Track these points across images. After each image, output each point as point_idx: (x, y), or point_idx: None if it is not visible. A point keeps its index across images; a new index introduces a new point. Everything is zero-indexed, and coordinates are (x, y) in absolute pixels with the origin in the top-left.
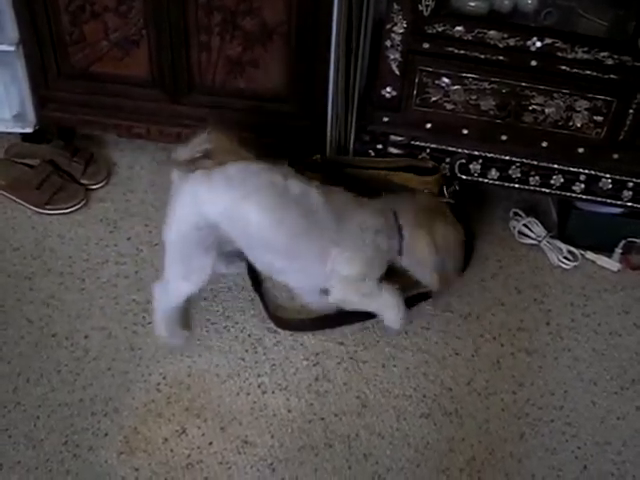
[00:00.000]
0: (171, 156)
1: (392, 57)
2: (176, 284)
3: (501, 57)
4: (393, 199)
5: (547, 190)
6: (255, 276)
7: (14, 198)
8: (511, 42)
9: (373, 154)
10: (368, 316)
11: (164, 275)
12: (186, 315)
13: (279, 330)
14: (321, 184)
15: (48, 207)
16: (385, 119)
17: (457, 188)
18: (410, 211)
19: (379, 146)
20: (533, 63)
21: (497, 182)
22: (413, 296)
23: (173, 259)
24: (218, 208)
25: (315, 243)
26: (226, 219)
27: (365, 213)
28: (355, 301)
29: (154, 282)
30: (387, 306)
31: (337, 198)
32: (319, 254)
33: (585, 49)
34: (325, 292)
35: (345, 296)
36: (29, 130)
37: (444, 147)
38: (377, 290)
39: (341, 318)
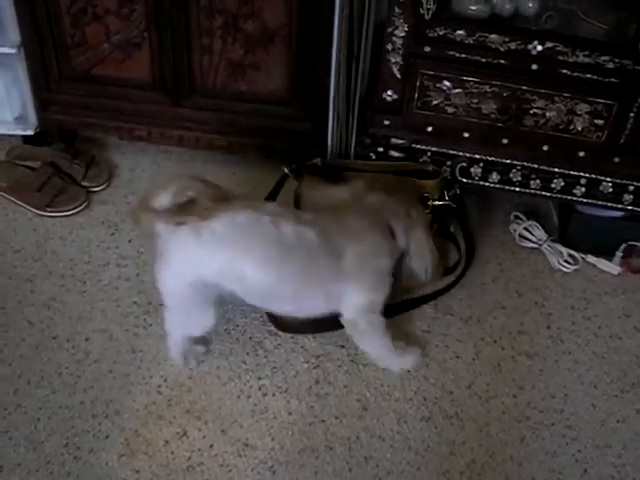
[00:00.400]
0: (146, 203)
1: (393, 60)
2: (182, 328)
3: (502, 61)
4: (378, 203)
5: (548, 194)
6: None
7: (15, 200)
8: (512, 46)
9: (374, 157)
10: None
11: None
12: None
13: (279, 333)
14: (310, 213)
15: (49, 209)
16: (386, 122)
17: (458, 191)
18: (400, 212)
19: (380, 149)
20: (534, 67)
21: (498, 185)
22: (416, 298)
23: (173, 310)
24: (214, 269)
25: (319, 283)
26: (224, 278)
27: (359, 240)
28: (363, 330)
29: (164, 308)
30: (401, 360)
31: (329, 227)
32: (324, 292)
33: (586, 53)
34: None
35: (355, 320)
36: (30, 132)
37: (445, 150)
38: (381, 326)
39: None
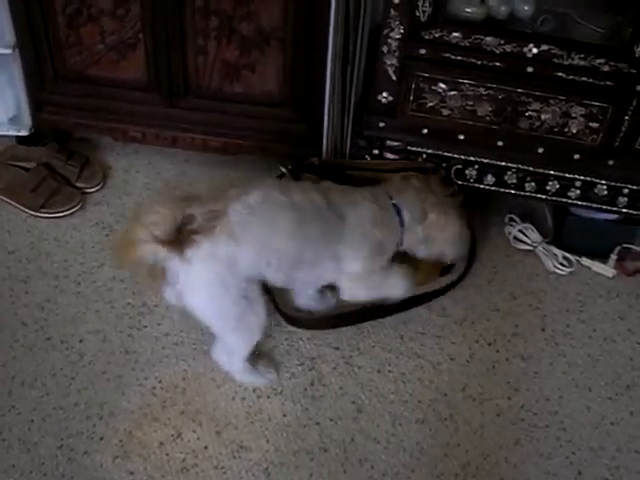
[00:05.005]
0: (146, 235)
1: (389, 62)
2: (235, 344)
3: (498, 63)
4: (388, 185)
5: (543, 196)
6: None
7: (9, 201)
8: (508, 48)
9: (369, 159)
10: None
11: (217, 338)
12: (260, 352)
13: (274, 335)
14: (313, 182)
15: (43, 210)
16: (381, 124)
17: (456, 189)
18: (409, 194)
19: (375, 151)
20: (529, 69)
21: (493, 188)
22: (414, 297)
23: (222, 325)
24: (251, 258)
25: (329, 244)
26: (261, 264)
27: (359, 207)
28: (363, 295)
29: (211, 349)
30: (394, 287)
31: (334, 195)
32: (333, 254)
33: (581, 56)
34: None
35: (354, 292)
36: (25, 133)
37: (440, 152)
38: (382, 279)
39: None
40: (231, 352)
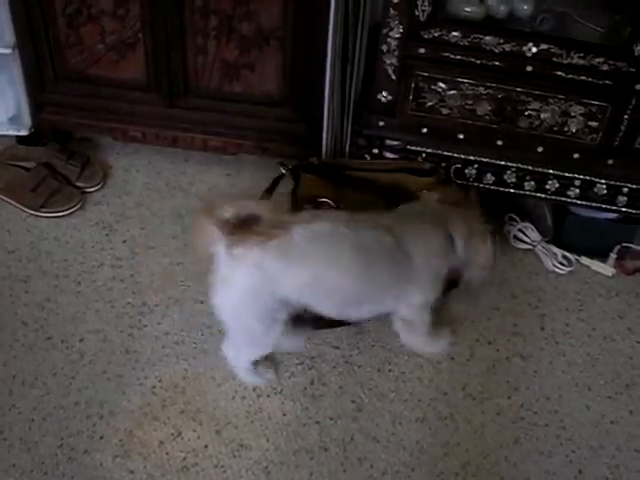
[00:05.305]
0: (210, 208)
1: (388, 62)
2: (245, 350)
3: (497, 62)
4: (440, 213)
5: (542, 195)
6: None
7: (9, 201)
8: (507, 47)
9: (369, 158)
10: None
11: (230, 337)
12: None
13: None
14: (375, 214)
15: (44, 210)
16: (381, 123)
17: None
18: (459, 222)
19: (375, 150)
20: (529, 68)
21: (492, 187)
22: None
23: (238, 331)
24: (298, 284)
25: (396, 284)
26: (307, 293)
27: (424, 243)
28: (417, 322)
29: (221, 345)
30: (433, 345)
31: (398, 231)
32: (397, 293)
33: (580, 55)
34: None
35: (408, 335)
36: (25, 133)
37: (440, 152)
38: (429, 329)
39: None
40: (239, 351)
